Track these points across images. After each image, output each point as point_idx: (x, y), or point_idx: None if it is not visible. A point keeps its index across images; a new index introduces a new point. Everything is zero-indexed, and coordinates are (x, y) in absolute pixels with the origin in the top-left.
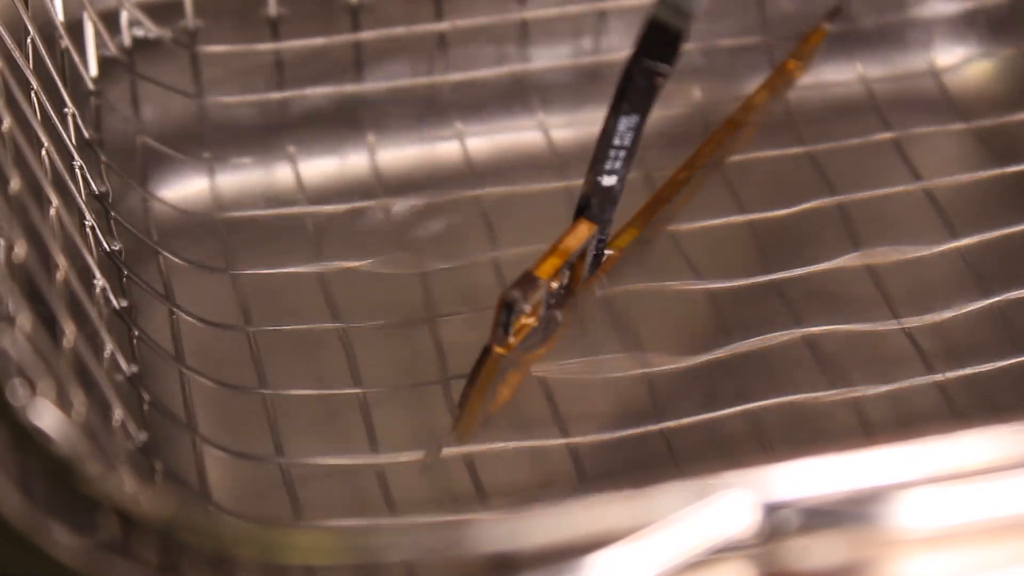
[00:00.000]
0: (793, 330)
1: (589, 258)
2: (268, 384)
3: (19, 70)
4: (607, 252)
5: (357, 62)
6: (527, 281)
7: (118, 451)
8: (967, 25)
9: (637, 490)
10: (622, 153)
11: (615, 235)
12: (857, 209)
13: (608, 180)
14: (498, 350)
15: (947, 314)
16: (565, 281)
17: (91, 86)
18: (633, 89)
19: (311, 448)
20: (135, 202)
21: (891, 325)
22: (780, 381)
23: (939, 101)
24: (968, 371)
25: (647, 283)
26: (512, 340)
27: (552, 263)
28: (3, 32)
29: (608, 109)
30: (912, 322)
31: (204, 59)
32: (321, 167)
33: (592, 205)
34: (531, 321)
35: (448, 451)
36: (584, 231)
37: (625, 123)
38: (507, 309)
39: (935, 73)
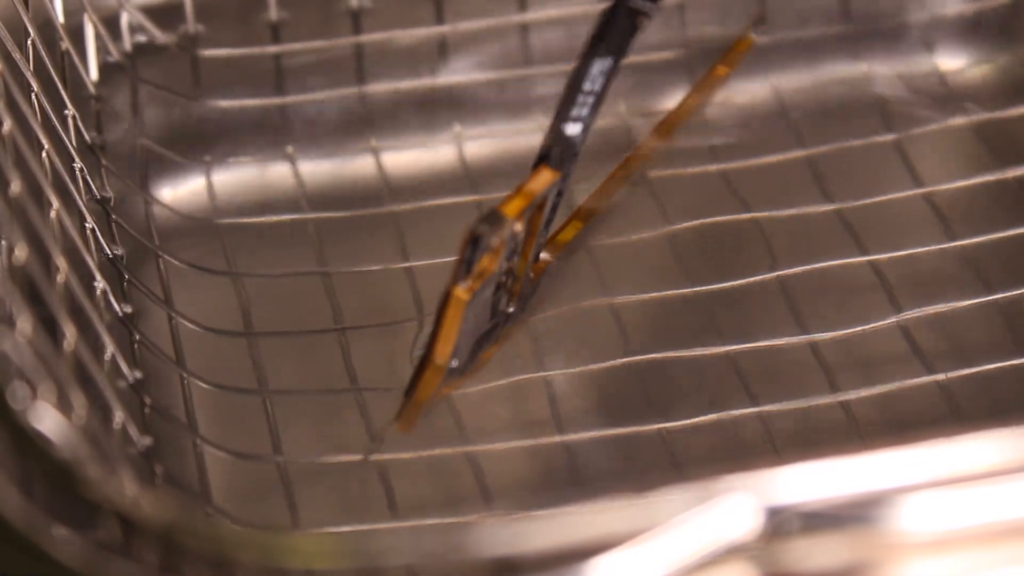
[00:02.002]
0: (796, 331)
1: (547, 212)
2: (268, 387)
3: (20, 72)
4: (543, 257)
5: (358, 65)
6: (494, 217)
7: (119, 454)
8: (971, 27)
9: (639, 494)
10: (591, 99)
11: (558, 229)
12: (858, 210)
13: (572, 128)
14: (459, 293)
15: (949, 312)
16: (523, 235)
17: (92, 90)
18: (614, 30)
19: (312, 451)
20: (136, 205)
21: (892, 324)
22: (783, 383)
23: (942, 102)
24: (971, 370)
25: (646, 287)
26: (474, 284)
27: (517, 204)
28: (4, 34)
29: (583, 50)
30: (913, 321)
31: (205, 63)
32: (322, 170)
33: (552, 156)
34: (492, 266)
35: (452, 450)
36: (547, 176)
37: (599, 66)
38: (473, 244)
39: (939, 74)
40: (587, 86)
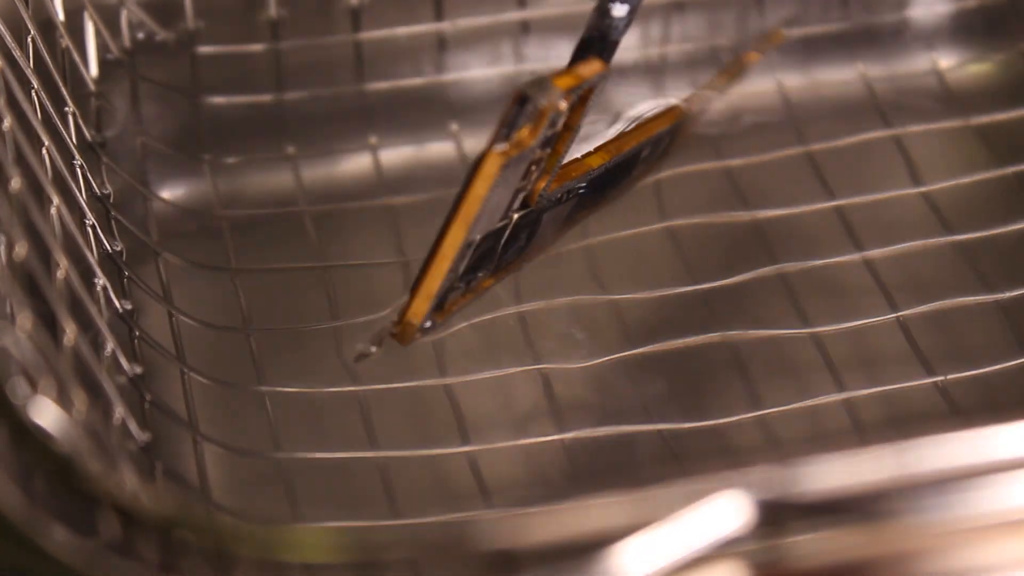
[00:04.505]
0: (794, 327)
1: (589, 105)
2: (268, 383)
3: (20, 70)
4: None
5: (357, 63)
6: (544, 82)
7: (119, 449)
8: (967, 25)
9: (637, 489)
10: None
11: (586, 153)
12: (857, 207)
13: (619, 10)
14: (495, 153)
15: (947, 309)
16: (562, 121)
17: (92, 87)
18: None
19: (311, 447)
20: (136, 202)
21: (892, 322)
22: (781, 380)
23: (940, 100)
24: (969, 368)
25: (645, 286)
26: (510, 148)
27: (567, 80)
28: (4, 32)
29: None
30: (912, 318)
31: (204, 60)
32: (320, 167)
33: (595, 40)
34: (529, 139)
35: (451, 450)
36: (597, 65)
37: None
38: (520, 104)
39: (936, 72)
40: None
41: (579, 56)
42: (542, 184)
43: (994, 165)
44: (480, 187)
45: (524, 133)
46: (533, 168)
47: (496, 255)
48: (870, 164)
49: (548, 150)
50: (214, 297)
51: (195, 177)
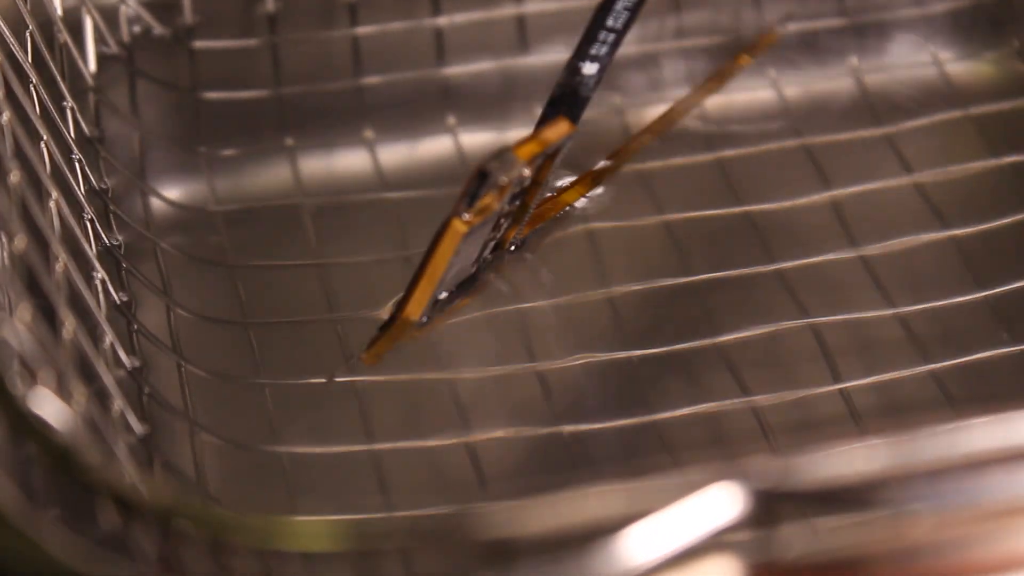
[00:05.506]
0: (790, 320)
1: (558, 162)
2: (265, 377)
3: (19, 64)
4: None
5: (354, 57)
6: (505, 155)
7: (117, 441)
8: (963, 19)
9: (633, 479)
10: (611, 37)
11: (562, 189)
12: (853, 201)
13: (589, 68)
14: (458, 224)
15: (942, 302)
16: (528, 181)
17: (90, 81)
18: None
19: (308, 439)
20: (134, 196)
21: (886, 314)
22: (777, 372)
23: (935, 95)
24: (963, 360)
25: (641, 279)
26: (473, 218)
27: (530, 148)
28: (3, 26)
29: None
30: (907, 311)
31: (202, 55)
32: (318, 162)
33: (565, 97)
34: (494, 204)
35: (447, 441)
36: (564, 128)
37: (623, 1)
38: (480, 178)
39: (932, 67)
40: (610, 22)
41: (549, 113)
42: (512, 233)
43: (989, 158)
44: (444, 253)
45: (488, 200)
46: (503, 221)
47: (473, 283)
48: (865, 159)
49: (517, 203)
50: (212, 291)
51: (193, 172)
